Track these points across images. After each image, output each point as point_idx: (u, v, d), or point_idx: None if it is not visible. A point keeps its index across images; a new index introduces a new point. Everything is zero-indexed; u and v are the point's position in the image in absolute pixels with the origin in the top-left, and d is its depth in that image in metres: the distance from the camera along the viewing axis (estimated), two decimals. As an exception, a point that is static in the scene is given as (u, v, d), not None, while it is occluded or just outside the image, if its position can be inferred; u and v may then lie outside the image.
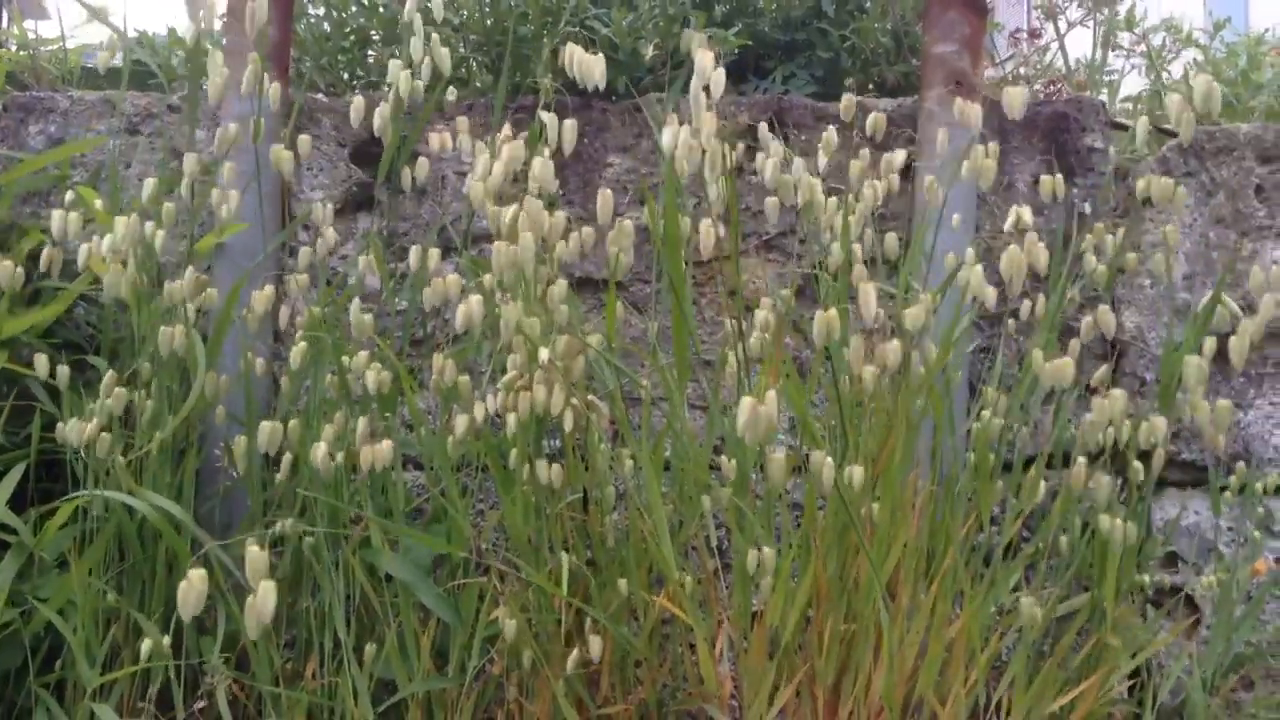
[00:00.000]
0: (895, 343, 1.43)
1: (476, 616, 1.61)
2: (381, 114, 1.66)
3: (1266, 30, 2.61)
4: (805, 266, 2.02)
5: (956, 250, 1.73)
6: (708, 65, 1.32)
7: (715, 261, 2.06)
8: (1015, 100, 1.53)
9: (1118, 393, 1.48)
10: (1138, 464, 1.63)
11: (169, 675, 1.57)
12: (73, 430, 1.57)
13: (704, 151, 1.36)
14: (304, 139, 1.81)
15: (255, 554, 1.26)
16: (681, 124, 1.37)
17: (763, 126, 1.65)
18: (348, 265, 2.08)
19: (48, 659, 1.64)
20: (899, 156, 1.66)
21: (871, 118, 1.66)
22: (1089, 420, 1.51)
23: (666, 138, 1.36)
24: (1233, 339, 1.48)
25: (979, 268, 1.53)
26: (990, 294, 1.52)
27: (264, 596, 1.24)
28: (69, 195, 1.72)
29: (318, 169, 2.12)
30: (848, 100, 1.70)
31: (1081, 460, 1.57)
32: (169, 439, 1.65)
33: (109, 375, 1.62)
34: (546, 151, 1.54)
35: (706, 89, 1.33)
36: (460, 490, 1.68)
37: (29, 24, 2.49)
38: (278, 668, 1.63)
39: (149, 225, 1.63)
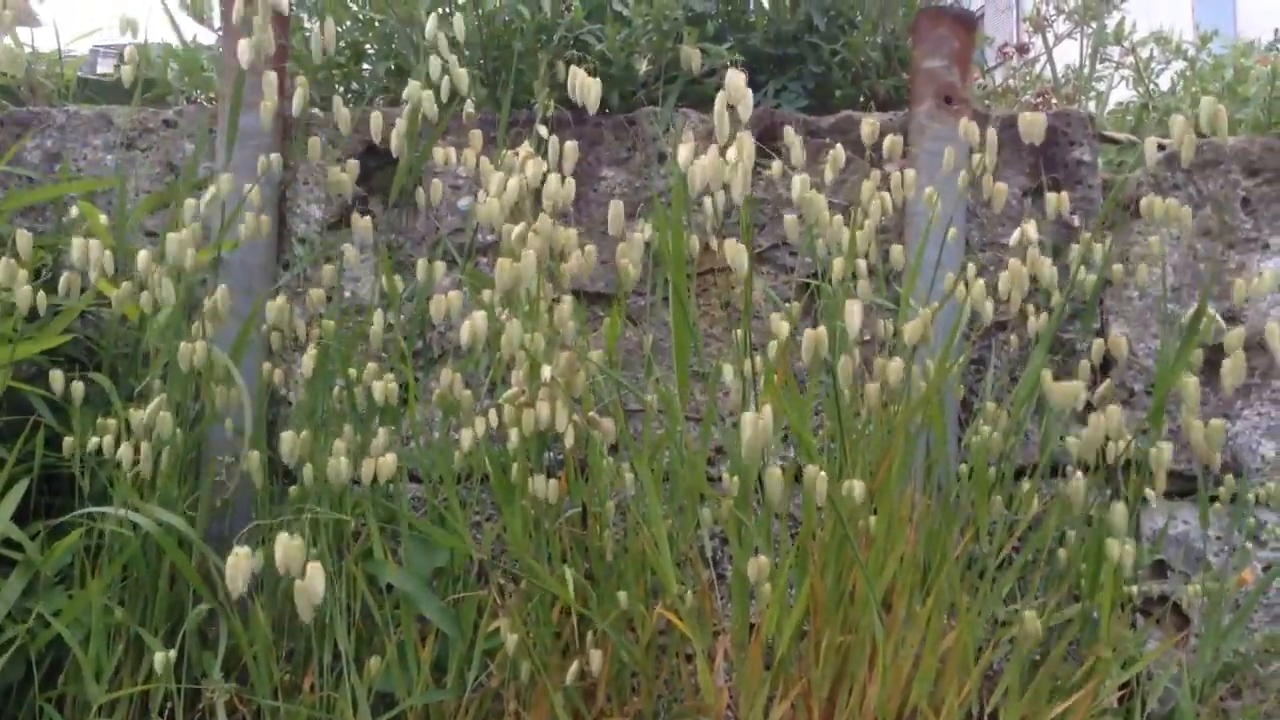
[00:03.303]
0: (898, 361, 1.45)
1: (475, 629, 1.63)
2: (398, 133, 1.69)
3: (1252, 42, 2.63)
4: (797, 279, 2.04)
5: (947, 263, 1.75)
6: (739, 84, 1.33)
7: (708, 274, 2.08)
8: (1035, 127, 1.55)
9: (1113, 410, 1.51)
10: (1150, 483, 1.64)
11: (171, 689, 1.58)
12: (125, 451, 1.60)
13: (729, 167, 1.37)
14: (351, 164, 1.83)
15: (288, 542, 1.31)
16: (696, 141, 1.39)
17: (788, 133, 1.66)
18: (345, 279, 2.09)
19: (49, 674, 1.65)
20: (909, 174, 1.68)
21: (888, 140, 1.68)
22: (1084, 438, 1.53)
23: (683, 155, 1.38)
24: (1225, 361, 1.51)
25: (981, 283, 1.55)
26: (988, 310, 1.54)
27: (312, 578, 1.30)
28: (73, 211, 1.73)
29: (314, 183, 2.13)
30: (868, 125, 1.71)
31: (1079, 475, 1.60)
32: (178, 455, 1.67)
33: (158, 399, 1.64)
34: (545, 167, 1.56)
35: (733, 108, 1.34)
36: (459, 503, 1.69)
37: (23, 34, 2.50)
38: (277, 680, 1.64)
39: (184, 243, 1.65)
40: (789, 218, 1.60)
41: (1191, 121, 1.44)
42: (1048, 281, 1.58)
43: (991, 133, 1.59)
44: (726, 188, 1.33)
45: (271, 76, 1.69)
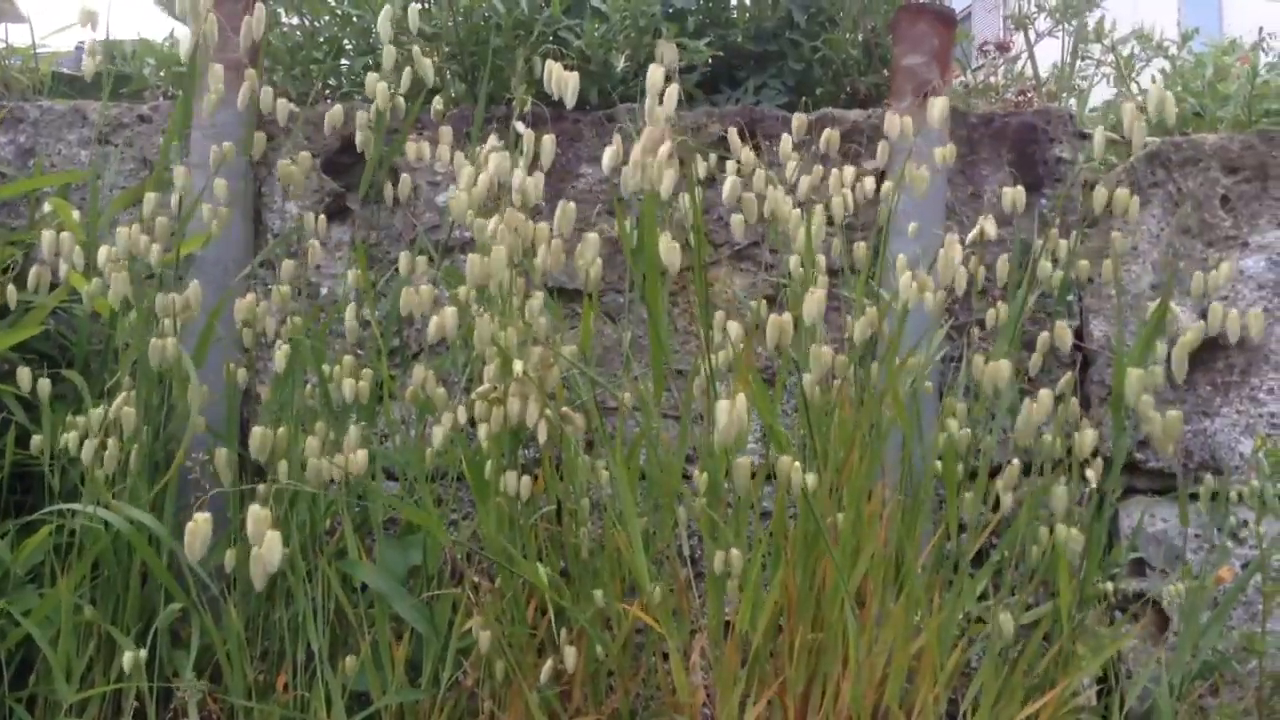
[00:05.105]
0: (826, 349, 1.45)
1: (450, 628, 1.62)
2: (362, 127, 1.67)
3: (1233, 40, 2.63)
4: (776, 276, 2.04)
5: (922, 260, 1.75)
6: (658, 80, 1.32)
7: (687, 271, 2.07)
8: (935, 109, 1.56)
9: (1045, 394, 1.51)
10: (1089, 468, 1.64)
11: (143, 689, 1.57)
12: (87, 448, 1.59)
13: (663, 166, 1.36)
14: (303, 156, 1.81)
15: (258, 511, 1.29)
16: (622, 138, 1.38)
17: (732, 134, 1.66)
18: (321, 276, 2.08)
19: (19, 673, 1.64)
20: (869, 167, 1.68)
21: (825, 134, 1.68)
22: (1018, 425, 1.53)
23: (607, 157, 1.37)
24: (1173, 350, 1.51)
25: (909, 274, 1.54)
26: (930, 299, 1.54)
27: (269, 547, 1.27)
28: (46, 207, 1.72)
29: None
30: (797, 120, 1.72)
31: (1015, 464, 1.60)
32: (148, 452, 1.65)
33: (122, 396, 1.63)
34: (522, 163, 1.55)
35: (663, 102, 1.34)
36: (435, 500, 1.68)
37: None
38: (250, 680, 1.63)
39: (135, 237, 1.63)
40: (735, 217, 1.59)
41: (1141, 110, 1.43)
42: (970, 274, 1.57)
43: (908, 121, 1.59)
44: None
45: (218, 69, 1.66)
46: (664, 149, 1.31)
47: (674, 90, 1.33)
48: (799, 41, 2.27)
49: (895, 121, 1.65)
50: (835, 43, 2.26)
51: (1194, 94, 2.42)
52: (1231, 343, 1.52)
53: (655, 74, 1.32)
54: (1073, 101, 2.55)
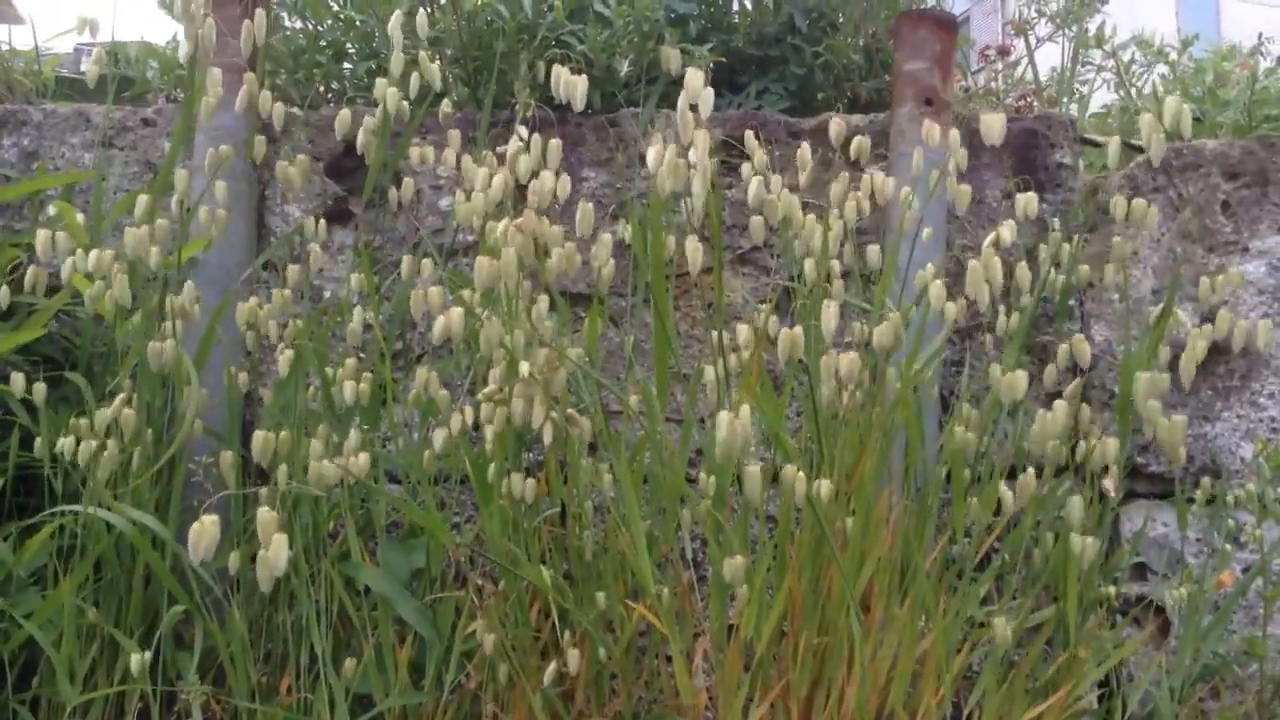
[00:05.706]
0: (853, 354, 1.45)
1: (453, 630, 1.62)
2: (365, 131, 1.67)
3: (1232, 46, 2.64)
4: (779, 280, 2.04)
5: (923, 264, 1.76)
6: (697, 83, 1.33)
7: (689, 275, 2.08)
8: (994, 127, 1.56)
9: (1061, 405, 1.51)
10: (1104, 478, 1.65)
11: (147, 691, 1.57)
12: (83, 450, 1.59)
13: (690, 168, 1.37)
14: (301, 159, 1.81)
15: (266, 515, 1.31)
16: (664, 141, 1.38)
17: (749, 137, 1.66)
18: (324, 279, 2.08)
19: (23, 675, 1.64)
20: (879, 177, 1.68)
21: (855, 141, 1.68)
22: (1033, 433, 1.54)
23: (651, 157, 1.37)
24: (1183, 357, 1.51)
25: (939, 282, 1.55)
26: (951, 309, 1.54)
27: (276, 550, 1.28)
28: (51, 210, 1.71)
29: (294, 182, 2.12)
30: (836, 125, 1.71)
31: (1030, 471, 1.60)
32: (150, 454, 1.65)
33: (119, 398, 1.63)
34: (523, 162, 1.56)
35: (694, 107, 1.35)
36: (438, 503, 1.68)
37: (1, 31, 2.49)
38: (254, 682, 1.63)
39: (141, 239, 1.63)
40: (754, 219, 1.59)
41: (1159, 121, 1.44)
42: (1014, 283, 1.58)
43: (956, 133, 1.59)
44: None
45: (216, 73, 1.66)
46: (700, 149, 1.32)
47: (709, 94, 1.34)
48: (800, 46, 2.27)
49: (921, 127, 1.65)
50: (837, 48, 2.27)
51: (1194, 99, 2.43)
52: (1234, 349, 1.53)
53: (695, 77, 1.33)
54: (1073, 107, 2.56)
